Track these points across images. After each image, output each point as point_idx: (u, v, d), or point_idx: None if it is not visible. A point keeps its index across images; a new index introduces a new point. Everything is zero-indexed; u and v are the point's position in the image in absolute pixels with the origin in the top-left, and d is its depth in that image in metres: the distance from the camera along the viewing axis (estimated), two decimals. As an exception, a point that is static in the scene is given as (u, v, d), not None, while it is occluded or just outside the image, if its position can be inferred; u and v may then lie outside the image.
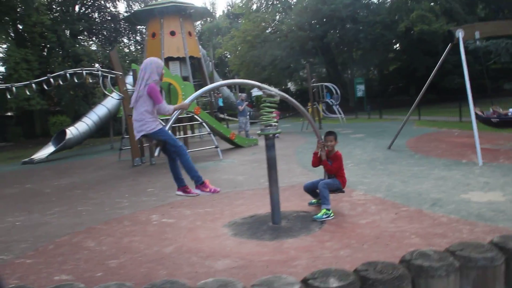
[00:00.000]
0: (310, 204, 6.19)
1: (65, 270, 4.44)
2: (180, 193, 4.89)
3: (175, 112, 4.81)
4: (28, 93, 11.90)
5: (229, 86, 28.90)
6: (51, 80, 11.09)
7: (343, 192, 6.05)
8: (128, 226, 6.02)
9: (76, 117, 22.09)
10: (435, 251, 1.59)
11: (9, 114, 31.60)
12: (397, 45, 36.07)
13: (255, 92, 36.26)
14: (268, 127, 5.25)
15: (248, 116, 18.15)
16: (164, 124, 4.87)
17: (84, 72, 11.41)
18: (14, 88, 10.73)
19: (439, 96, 30.57)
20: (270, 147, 5.25)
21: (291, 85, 49.67)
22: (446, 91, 29.80)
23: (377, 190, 6.85)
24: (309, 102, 21.05)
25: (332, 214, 5.48)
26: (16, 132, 28.56)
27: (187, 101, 5.00)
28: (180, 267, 4.25)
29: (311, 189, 6.08)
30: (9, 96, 11.06)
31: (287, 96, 5.78)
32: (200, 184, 4.79)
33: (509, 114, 10.50)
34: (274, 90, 5.33)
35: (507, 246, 1.63)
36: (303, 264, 4.01)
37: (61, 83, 11.73)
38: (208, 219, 5.95)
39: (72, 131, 17.93)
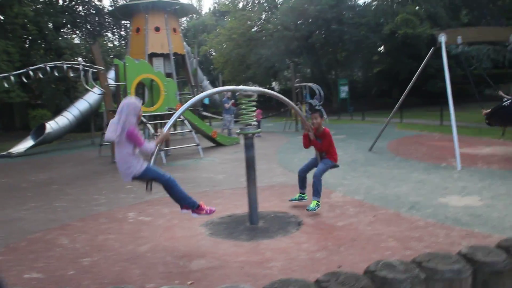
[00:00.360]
0: (291, 200, 6.23)
1: (36, 268, 4.33)
2: (185, 211, 4.90)
3: (158, 145, 4.77)
4: (6, 85, 11.64)
5: (213, 84, 28.77)
6: (31, 72, 10.89)
7: (338, 166, 6.19)
8: (104, 223, 5.92)
9: (57, 111, 21.70)
10: (402, 262, 1.55)
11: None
12: (382, 47, 36.29)
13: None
14: (248, 127, 5.20)
15: (233, 115, 18.11)
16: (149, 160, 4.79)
17: (65, 65, 11.21)
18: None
19: (421, 99, 30.88)
20: (248, 146, 5.20)
21: (275, 85, 49.69)
22: (429, 95, 30.11)
23: (356, 192, 6.85)
24: (292, 102, 21.05)
25: (320, 205, 5.74)
26: (-6, 124, 28.01)
27: (165, 129, 4.94)
28: (154, 266, 4.18)
29: (305, 172, 6.19)
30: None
31: (272, 92, 5.75)
32: (196, 208, 4.83)
33: None
34: (251, 88, 5.27)
35: (475, 257, 1.60)
36: (279, 265, 3.97)
37: (41, 76, 11.52)
38: (185, 218, 5.84)
39: (52, 125, 17.64)
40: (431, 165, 8.95)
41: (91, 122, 20.76)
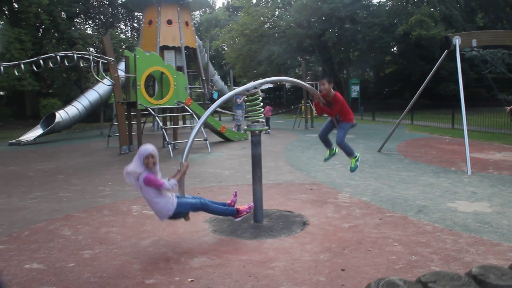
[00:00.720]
0: (325, 160, 6.54)
1: (37, 259, 4.30)
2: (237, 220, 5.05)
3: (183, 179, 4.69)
4: (16, 73, 11.65)
5: (224, 79, 28.70)
6: (41, 61, 10.88)
7: (356, 125, 6.29)
8: (108, 215, 5.89)
9: (67, 101, 21.79)
10: (405, 281, 1.43)
11: (0, 93, 31.19)
12: (395, 48, 35.98)
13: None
14: (255, 123, 5.12)
15: (244, 110, 18.07)
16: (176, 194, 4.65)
17: (75, 55, 11.20)
18: (1, 68, 10.50)
19: (433, 101, 30.59)
20: (255, 144, 5.12)
21: (286, 82, 49.48)
22: (441, 97, 29.84)
23: (363, 193, 6.75)
24: (303, 99, 21.01)
25: (358, 155, 6.17)
26: (5, 112, 28.13)
27: (184, 159, 4.68)
28: (155, 262, 4.12)
29: (325, 135, 6.23)
30: (-5, 76, 10.86)
31: (291, 79, 5.71)
32: (236, 214, 4.92)
33: None
34: (274, 79, 5.17)
35: (487, 279, 1.46)
36: (281, 266, 3.90)
37: (51, 65, 11.52)
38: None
39: (61, 115, 17.69)
40: (441, 168, 8.82)
41: (101, 113, 20.79)
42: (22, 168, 10.40)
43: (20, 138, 16.56)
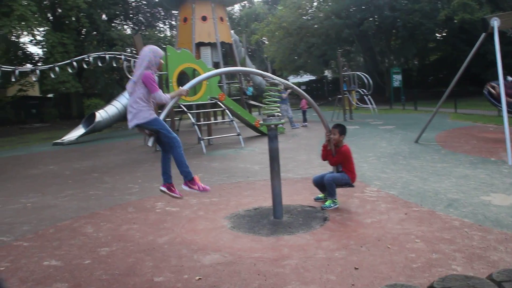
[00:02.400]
0: (317, 199, 5.90)
1: (56, 256, 4.37)
2: (164, 189, 4.66)
3: (173, 100, 4.61)
4: (52, 76, 12.01)
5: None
6: (75, 63, 11.15)
7: (353, 186, 5.75)
8: (131, 213, 5.93)
9: (111, 100, 22.39)
10: None
11: (49, 96, 32.51)
12: (439, 34, 34.69)
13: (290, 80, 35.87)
14: (270, 117, 4.99)
15: (288, 103, 18.04)
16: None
17: (107, 56, 11.40)
18: (38, 71, 10.85)
19: (481, 88, 29.32)
20: (272, 138, 4.99)
21: (328, 73, 48.89)
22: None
23: (392, 186, 6.49)
24: (341, 90, 20.60)
25: (338, 203, 5.55)
26: (52, 113, 29.24)
27: (186, 86, 4.81)
28: (168, 259, 4.09)
29: (319, 182, 5.79)
30: (34, 79, 11.24)
31: (294, 86, 5.53)
32: (188, 180, 4.59)
33: None
34: (278, 79, 5.05)
35: None
36: (293, 264, 3.77)
37: (85, 66, 11.78)
38: (212, 209, 5.77)
39: (101, 114, 18.16)
40: (479, 159, 8.37)
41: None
42: (60, 167, 10.72)
43: (63, 138, 17.12)
